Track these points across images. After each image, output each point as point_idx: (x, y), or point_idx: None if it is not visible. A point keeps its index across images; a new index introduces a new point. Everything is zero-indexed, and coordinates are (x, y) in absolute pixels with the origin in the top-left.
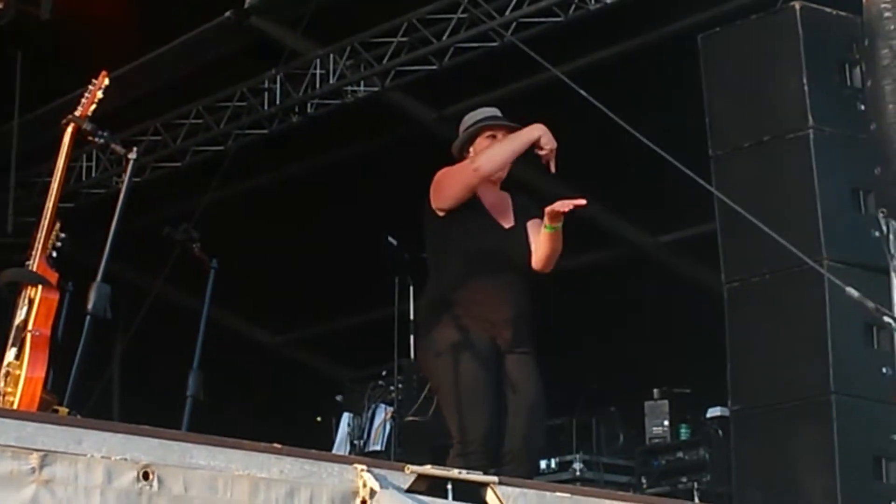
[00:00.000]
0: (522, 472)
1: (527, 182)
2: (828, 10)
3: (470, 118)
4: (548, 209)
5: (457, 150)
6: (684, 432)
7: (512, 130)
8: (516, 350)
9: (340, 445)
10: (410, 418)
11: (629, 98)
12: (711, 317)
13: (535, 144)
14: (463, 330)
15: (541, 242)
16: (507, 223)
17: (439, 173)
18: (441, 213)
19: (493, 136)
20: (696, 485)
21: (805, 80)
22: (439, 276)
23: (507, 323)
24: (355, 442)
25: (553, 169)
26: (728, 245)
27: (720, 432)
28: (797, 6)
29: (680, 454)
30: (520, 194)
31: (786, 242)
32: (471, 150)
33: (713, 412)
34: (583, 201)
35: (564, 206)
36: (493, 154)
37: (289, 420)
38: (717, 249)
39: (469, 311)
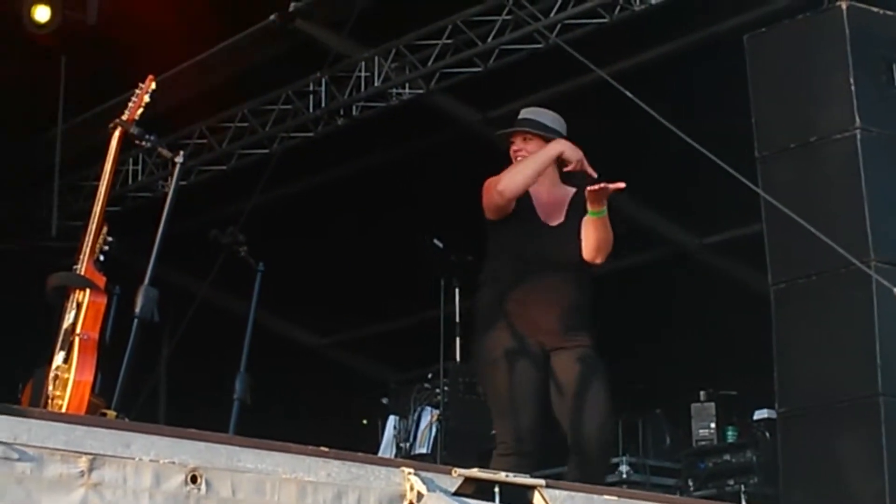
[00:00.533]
0: (590, 470)
1: None
2: (875, 9)
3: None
4: (586, 190)
5: (505, 150)
6: (731, 434)
7: (529, 137)
8: (563, 346)
9: (386, 448)
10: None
11: (675, 99)
12: (758, 318)
13: (561, 159)
14: (511, 333)
15: (586, 231)
16: (556, 220)
17: (485, 184)
18: (489, 218)
19: (512, 142)
20: (743, 487)
21: (852, 80)
22: (488, 279)
23: (550, 323)
24: (401, 445)
25: (593, 173)
26: (774, 246)
27: (767, 434)
28: (844, 6)
29: (727, 456)
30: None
31: (833, 243)
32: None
33: (760, 414)
34: (621, 185)
35: (603, 189)
36: (514, 176)
37: (335, 422)
38: (763, 250)
39: (515, 314)
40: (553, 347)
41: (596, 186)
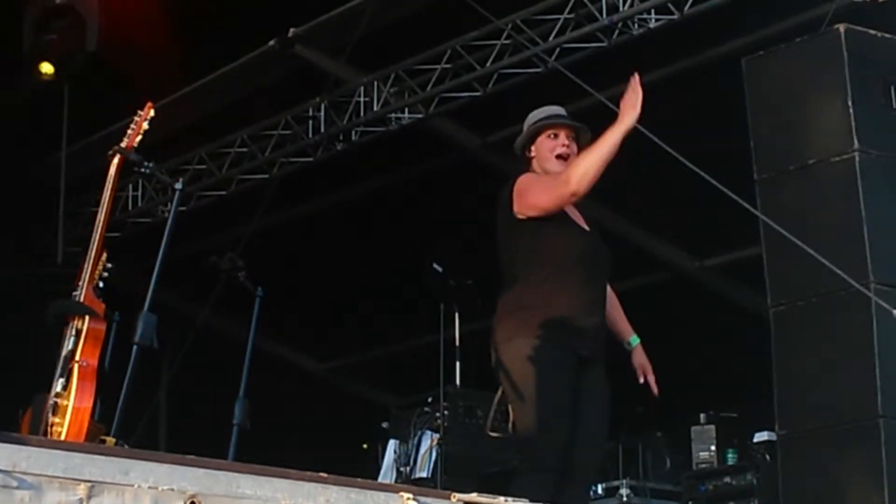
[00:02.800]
0: (578, 488)
1: None
2: (873, 32)
3: (533, 116)
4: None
5: (518, 147)
6: (731, 457)
7: (573, 129)
8: (595, 359)
9: (387, 472)
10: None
11: (674, 122)
12: (757, 341)
13: (554, 158)
14: (555, 340)
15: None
16: (586, 226)
17: (525, 181)
18: (522, 217)
19: (555, 136)
20: None
21: (850, 103)
22: (524, 282)
23: (592, 331)
24: (401, 469)
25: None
26: (774, 268)
27: (767, 457)
28: (842, 29)
29: (727, 479)
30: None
31: (832, 266)
32: (532, 148)
33: (760, 437)
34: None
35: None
36: (587, 169)
37: (335, 447)
38: (762, 273)
39: (558, 319)
40: (590, 357)
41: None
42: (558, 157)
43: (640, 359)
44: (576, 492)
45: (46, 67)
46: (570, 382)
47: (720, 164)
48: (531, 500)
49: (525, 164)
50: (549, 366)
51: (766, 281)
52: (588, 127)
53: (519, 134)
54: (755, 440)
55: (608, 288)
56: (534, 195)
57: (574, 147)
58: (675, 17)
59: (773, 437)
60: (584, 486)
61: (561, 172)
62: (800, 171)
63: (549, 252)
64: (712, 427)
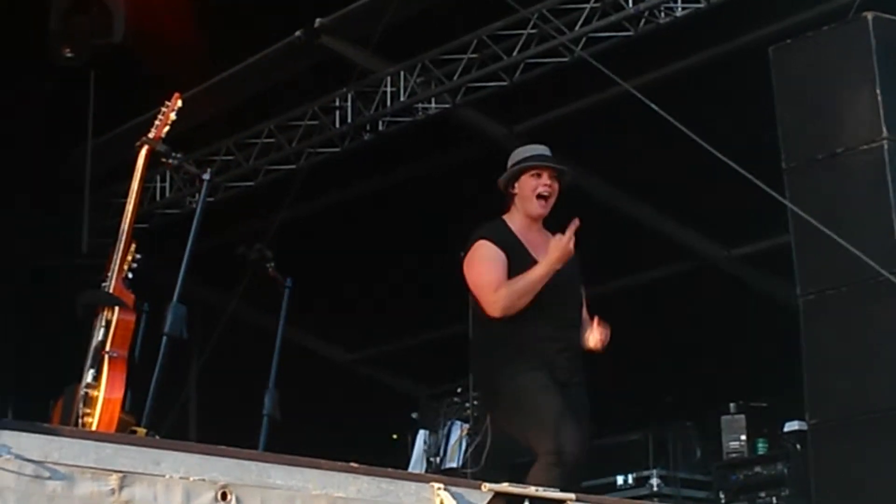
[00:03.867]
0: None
1: (589, 193)
2: None
3: (517, 154)
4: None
5: (502, 184)
6: (762, 447)
7: (554, 171)
8: (570, 383)
9: (417, 463)
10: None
11: (701, 111)
12: (787, 330)
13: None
14: (523, 366)
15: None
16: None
17: (472, 255)
18: None
19: (538, 175)
20: (774, 500)
21: (878, 91)
22: (488, 324)
23: (562, 357)
24: (431, 459)
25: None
26: (803, 257)
27: (798, 446)
28: (869, 17)
29: (758, 469)
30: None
31: (861, 254)
32: (515, 185)
33: (791, 426)
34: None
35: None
36: (519, 295)
37: (365, 438)
38: (791, 262)
39: (525, 350)
40: (565, 382)
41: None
42: (539, 196)
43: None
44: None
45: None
46: (557, 397)
47: (748, 153)
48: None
49: (508, 200)
50: (536, 383)
51: (796, 270)
52: (611, 120)
53: (545, 124)
54: (786, 430)
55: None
56: (470, 278)
57: (556, 186)
58: (702, 5)
59: (804, 426)
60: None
61: (496, 287)
62: (828, 159)
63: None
64: (742, 417)
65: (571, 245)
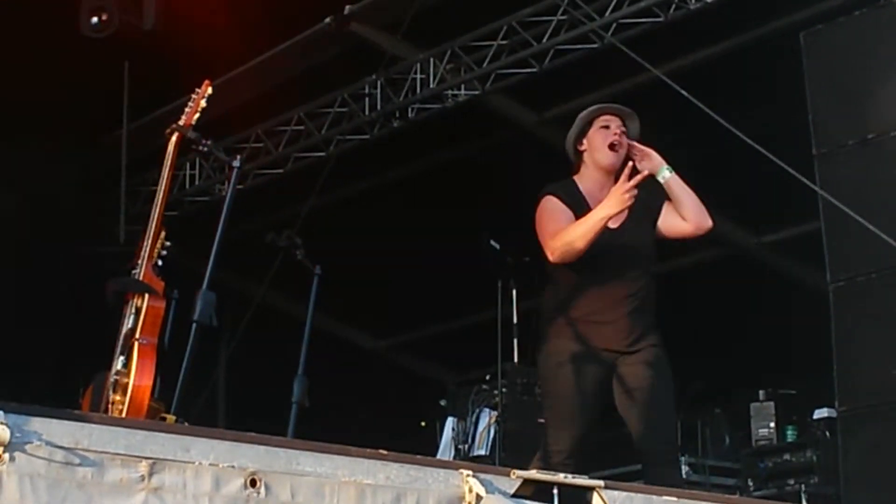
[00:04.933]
0: (664, 473)
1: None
2: None
3: (582, 114)
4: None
5: (570, 142)
6: (791, 434)
7: (623, 120)
8: (632, 349)
9: (445, 450)
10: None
11: (731, 97)
12: (816, 317)
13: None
14: (577, 339)
15: (675, 200)
16: (617, 222)
17: (538, 210)
18: None
19: (606, 127)
20: (803, 487)
21: None
22: (552, 287)
23: (620, 329)
24: (459, 446)
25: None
26: (833, 244)
27: (827, 434)
28: None
29: (787, 456)
30: (642, 187)
31: (892, 241)
32: (584, 141)
33: (820, 413)
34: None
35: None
36: (571, 243)
37: (393, 425)
38: (821, 248)
39: (583, 321)
40: (623, 352)
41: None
42: (610, 146)
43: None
44: (657, 472)
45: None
46: (598, 379)
47: (778, 138)
48: None
49: (574, 161)
50: (576, 364)
51: (826, 257)
52: (641, 106)
53: (575, 110)
54: (815, 417)
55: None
56: (538, 231)
57: (624, 139)
58: None
59: (833, 413)
60: (663, 466)
61: (556, 234)
62: (859, 145)
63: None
64: (771, 404)
65: (632, 191)
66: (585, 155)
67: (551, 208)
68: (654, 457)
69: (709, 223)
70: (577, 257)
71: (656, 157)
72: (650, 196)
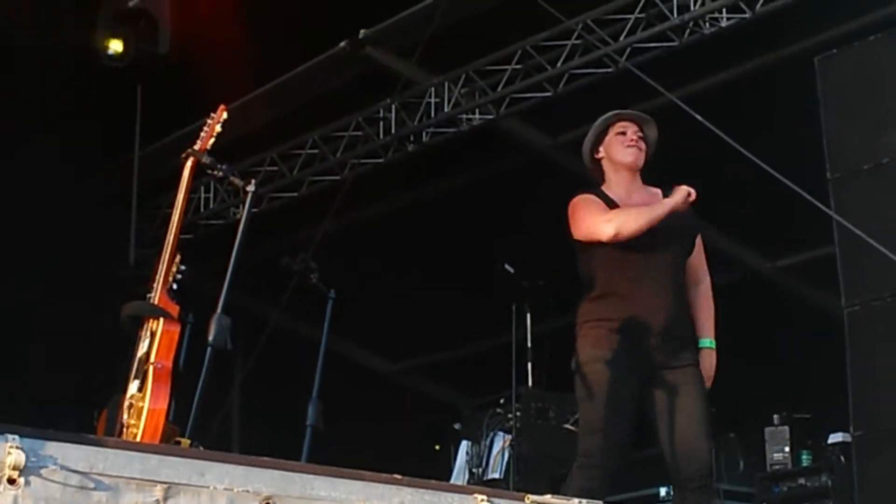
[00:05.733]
0: (697, 500)
1: None
2: None
3: (599, 120)
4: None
5: (587, 152)
6: (806, 458)
7: (640, 126)
8: (673, 364)
9: (459, 473)
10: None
11: (745, 122)
12: (831, 341)
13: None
14: (616, 346)
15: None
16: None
17: (574, 205)
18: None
19: (623, 133)
20: None
21: None
22: (586, 296)
23: (661, 338)
24: (474, 470)
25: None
26: (848, 268)
27: (842, 458)
28: None
29: (801, 481)
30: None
31: None
32: (600, 149)
33: (835, 438)
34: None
35: None
36: (630, 221)
37: (407, 448)
38: (835, 272)
39: (623, 328)
40: (663, 365)
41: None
42: (628, 147)
43: (703, 364)
44: (687, 497)
45: (115, 45)
46: (634, 387)
47: (792, 163)
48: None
49: (594, 173)
50: (613, 370)
51: (840, 281)
52: (657, 124)
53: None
54: (830, 441)
55: (701, 285)
56: (577, 226)
57: (642, 143)
58: (747, 15)
59: (848, 438)
60: (696, 493)
61: (608, 213)
62: (873, 169)
63: (605, 265)
64: (786, 428)
65: (691, 197)
66: (604, 163)
67: (590, 198)
68: (688, 482)
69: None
70: (633, 236)
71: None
72: (691, 220)
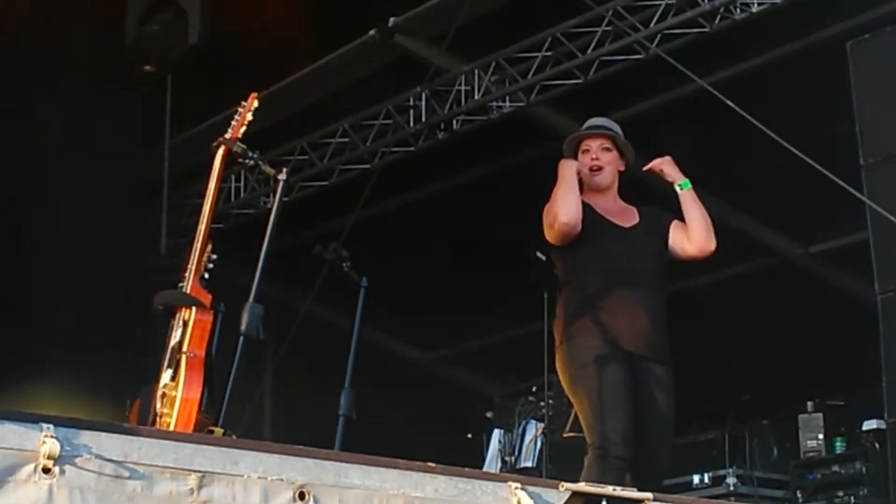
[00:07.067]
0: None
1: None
2: None
3: (566, 141)
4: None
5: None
6: (840, 445)
7: (604, 142)
8: (654, 359)
9: (491, 462)
10: (567, 435)
11: (777, 107)
12: (865, 327)
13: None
14: (600, 340)
15: (687, 215)
16: (630, 223)
17: (545, 209)
18: (560, 244)
19: (586, 150)
20: (852, 499)
21: None
22: (566, 292)
23: (632, 328)
24: (506, 458)
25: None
26: (881, 254)
27: (877, 445)
28: None
29: (836, 468)
30: (649, 205)
31: None
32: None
33: (869, 425)
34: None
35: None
36: (563, 202)
37: (440, 437)
38: (869, 259)
39: (603, 322)
40: (644, 356)
41: (647, 167)
42: (591, 170)
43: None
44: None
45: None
46: (625, 376)
47: (825, 149)
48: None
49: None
50: (600, 362)
51: (874, 267)
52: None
53: (620, 121)
54: (864, 428)
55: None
56: (548, 232)
57: (609, 156)
58: (778, 1)
59: (882, 424)
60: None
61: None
62: None
63: (580, 261)
64: (820, 415)
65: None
66: (581, 176)
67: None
68: (643, 477)
69: (712, 246)
70: (566, 228)
71: (676, 168)
72: (660, 214)
